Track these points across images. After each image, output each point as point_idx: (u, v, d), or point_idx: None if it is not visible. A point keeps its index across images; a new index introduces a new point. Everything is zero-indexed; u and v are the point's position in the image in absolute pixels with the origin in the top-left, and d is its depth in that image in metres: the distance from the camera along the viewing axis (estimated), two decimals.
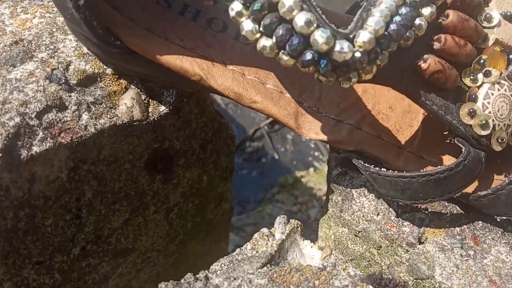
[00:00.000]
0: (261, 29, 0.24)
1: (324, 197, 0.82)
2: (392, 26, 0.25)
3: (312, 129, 0.31)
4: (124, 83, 0.33)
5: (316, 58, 0.24)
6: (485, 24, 0.30)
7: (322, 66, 0.24)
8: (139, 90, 0.34)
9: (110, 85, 0.33)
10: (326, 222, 0.38)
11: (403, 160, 0.31)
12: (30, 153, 0.29)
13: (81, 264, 0.37)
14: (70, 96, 0.31)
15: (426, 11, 0.27)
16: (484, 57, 0.29)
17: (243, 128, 1.06)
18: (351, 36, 0.24)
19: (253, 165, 0.97)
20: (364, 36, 0.24)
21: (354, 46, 0.24)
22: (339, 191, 0.36)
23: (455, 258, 0.31)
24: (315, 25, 0.23)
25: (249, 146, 1.04)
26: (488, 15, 0.30)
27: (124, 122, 0.32)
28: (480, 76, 0.29)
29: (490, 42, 0.29)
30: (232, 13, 0.24)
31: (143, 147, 0.34)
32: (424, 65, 0.27)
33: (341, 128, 0.32)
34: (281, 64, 0.25)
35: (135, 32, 0.30)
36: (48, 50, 0.33)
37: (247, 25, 0.24)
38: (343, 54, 0.23)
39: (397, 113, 0.33)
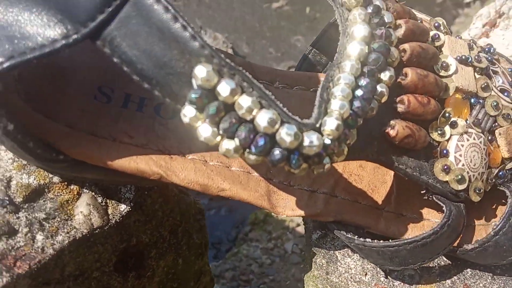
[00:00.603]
0: (220, 132, 0.22)
1: (298, 228, 0.81)
2: (356, 103, 0.24)
3: (287, 206, 0.30)
4: (76, 188, 0.31)
5: (285, 155, 0.22)
6: (442, 73, 0.29)
7: (294, 161, 0.22)
8: (93, 193, 0.31)
9: (61, 194, 0.30)
10: (313, 281, 0.37)
11: (383, 222, 0.30)
12: None
13: None
14: (18, 217, 0.29)
15: (385, 76, 0.26)
16: (448, 109, 0.28)
17: None
18: (317, 125, 0.23)
19: (220, 204, 0.95)
20: (331, 124, 0.22)
21: (322, 135, 0.22)
22: (322, 254, 0.34)
23: None
24: (279, 122, 0.22)
25: None
26: (444, 64, 0.29)
27: (84, 233, 0.30)
28: (447, 128, 0.28)
29: (451, 92, 0.29)
30: (185, 119, 0.23)
31: (109, 252, 0.32)
32: (392, 132, 0.26)
33: (316, 199, 0.30)
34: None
35: (78, 140, 0.28)
36: None
37: (204, 130, 0.22)
38: (313, 147, 0.22)
39: (369, 171, 0.32)
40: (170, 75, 0.23)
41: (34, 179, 0.30)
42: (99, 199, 0.31)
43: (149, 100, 0.31)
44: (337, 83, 0.24)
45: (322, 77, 0.37)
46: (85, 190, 0.31)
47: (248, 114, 0.22)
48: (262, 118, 0.22)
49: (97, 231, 0.30)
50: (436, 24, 0.32)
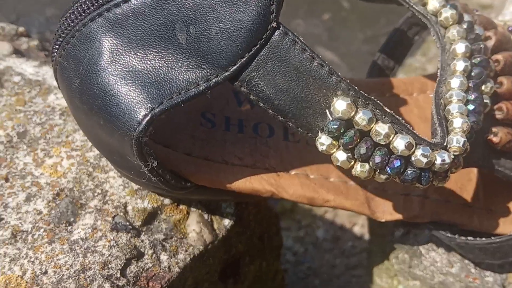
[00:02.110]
0: (355, 156, 0.25)
1: (327, 215, 0.84)
2: (471, 118, 0.26)
3: (385, 211, 0.32)
4: (185, 208, 0.33)
5: (418, 174, 0.25)
6: None
7: (424, 179, 0.25)
8: (200, 211, 0.33)
9: (173, 215, 0.33)
10: (389, 273, 0.40)
11: (476, 218, 0.33)
12: None
13: None
14: (142, 240, 0.31)
15: (487, 87, 0.28)
16: None
17: None
18: (445, 144, 0.25)
19: None
20: (458, 142, 0.25)
21: (449, 152, 0.25)
22: (405, 249, 0.37)
23: None
24: (414, 145, 0.24)
25: None
26: None
27: (200, 250, 0.32)
28: None
29: None
30: (322, 147, 0.25)
31: (216, 263, 0.34)
32: (496, 139, 0.29)
33: (411, 202, 0.33)
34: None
35: (197, 166, 0.30)
36: (97, 196, 0.32)
37: (340, 156, 0.25)
38: (445, 165, 0.24)
39: None
40: (306, 108, 0.25)
41: (148, 203, 0.32)
42: (205, 216, 0.34)
43: (246, 120, 0.33)
44: (450, 100, 0.27)
45: (394, 81, 0.39)
46: (192, 209, 0.33)
47: (385, 139, 0.24)
48: (399, 143, 0.24)
49: (209, 246, 0.32)
50: (510, 28, 0.34)
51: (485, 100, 0.28)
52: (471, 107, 0.27)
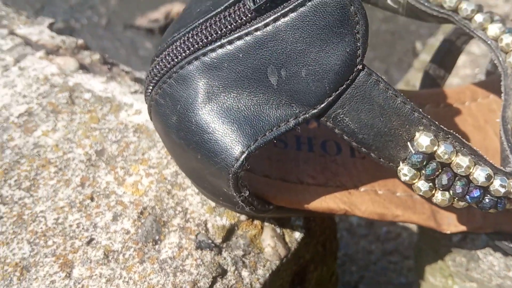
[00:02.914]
0: (437, 186, 0.27)
1: None
2: None
3: (451, 223, 0.34)
4: (259, 223, 0.35)
5: (495, 201, 0.27)
6: None
7: (500, 205, 0.27)
8: (272, 225, 0.36)
9: (248, 230, 0.35)
10: (444, 274, 0.42)
11: None
12: None
13: None
14: (224, 258, 0.33)
15: None
16: None
17: None
18: None
19: None
20: None
21: None
22: (462, 253, 0.39)
23: None
24: (493, 176, 0.26)
25: None
26: None
27: (277, 265, 0.34)
28: None
29: None
30: (405, 178, 0.27)
31: (288, 275, 0.37)
32: None
33: (474, 213, 0.35)
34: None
35: (277, 188, 0.32)
36: (178, 214, 0.35)
37: (423, 186, 0.27)
38: None
39: None
40: (388, 142, 0.27)
41: (226, 220, 0.35)
42: (278, 230, 0.36)
43: (314, 139, 0.35)
44: None
45: (446, 91, 0.41)
46: (265, 224, 0.36)
47: (466, 171, 0.26)
48: (480, 175, 0.26)
49: (284, 260, 0.35)
50: None
51: None
52: None
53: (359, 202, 0.33)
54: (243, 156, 0.26)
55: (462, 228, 0.34)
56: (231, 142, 0.26)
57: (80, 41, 0.49)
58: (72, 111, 0.41)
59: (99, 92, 0.42)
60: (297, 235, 0.36)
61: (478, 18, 0.32)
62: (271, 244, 0.35)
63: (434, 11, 0.33)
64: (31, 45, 0.47)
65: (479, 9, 0.32)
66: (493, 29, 0.31)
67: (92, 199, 0.35)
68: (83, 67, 0.45)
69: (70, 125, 0.40)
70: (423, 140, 0.26)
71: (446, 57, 0.42)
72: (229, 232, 0.34)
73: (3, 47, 0.46)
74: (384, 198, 0.34)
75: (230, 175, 0.26)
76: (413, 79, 1.04)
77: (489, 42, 0.32)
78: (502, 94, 0.31)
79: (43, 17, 0.53)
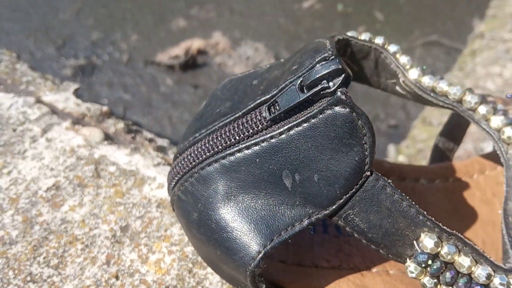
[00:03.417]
0: (441, 282, 0.28)
1: None
2: None
3: None
4: None
5: None
6: None
7: None
8: None
9: None
10: None
11: None
12: None
13: None
14: None
15: None
16: None
17: None
18: None
19: None
20: None
21: None
22: None
23: None
24: (493, 274, 0.28)
25: None
26: None
27: None
28: None
29: None
30: (412, 275, 0.29)
31: None
32: None
33: None
34: None
35: (293, 274, 0.34)
36: None
37: (428, 282, 0.28)
38: None
39: None
40: (396, 241, 0.28)
41: None
42: None
43: (329, 219, 0.37)
44: None
45: (455, 165, 0.42)
46: None
47: (468, 270, 0.28)
48: (481, 274, 0.28)
49: None
50: (508, 95, 0.37)
51: None
52: None
53: (372, 284, 0.35)
54: (259, 256, 0.28)
55: None
56: (249, 242, 0.28)
57: (105, 108, 0.51)
58: (98, 184, 0.43)
59: (124, 165, 0.45)
60: None
61: (482, 109, 0.34)
62: None
63: (440, 102, 0.35)
64: (57, 114, 0.50)
65: (483, 100, 0.34)
66: (496, 121, 0.33)
67: (117, 277, 0.37)
68: (108, 137, 0.48)
69: (96, 199, 0.42)
70: (427, 242, 0.28)
71: (454, 130, 0.44)
72: None
73: (30, 117, 0.49)
74: (395, 279, 0.35)
75: (248, 273, 0.28)
76: (429, 116, 1.04)
77: (491, 133, 0.34)
78: (504, 185, 0.33)
79: (68, 82, 0.56)
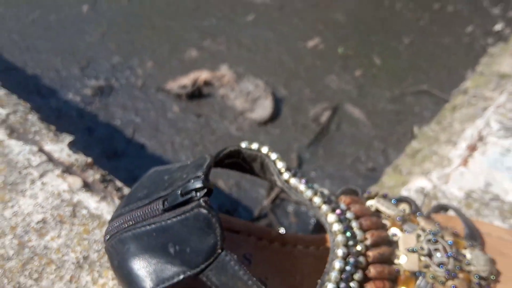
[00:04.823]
0: None
1: None
2: None
3: None
4: None
5: None
6: (396, 261, 0.51)
7: None
8: None
9: None
10: None
11: None
12: None
13: None
14: None
15: (356, 276, 0.48)
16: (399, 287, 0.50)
17: (249, 209, 1.28)
18: None
19: None
20: None
21: None
22: None
23: None
24: None
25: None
26: (397, 256, 0.51)
27: None
28: None
29: (402, 273, 0.51)
30: None
31: None
32: None
33: None
34: None
35: None
36: None
37: None
38: None
39: None
40: (232, 286, 0.46)
41: None
42: None
43: None
44: (327, 279, 0.47)
45: (327, 237, 0.59)
46: None
47: None
48: None
49: None
50: (398, 218, 0.54)
51: (353, 285, 0.48)
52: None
53: None
54: None
55: None
56: (144, 284, 0.46)
57: (89, 160, 0.70)
58: (73, 222, 0.62)
59: (93, 210, 0.63)
60: None
61: (323, 208, 0.50)
62: None
63: (300, 198, 0.52)
64: (53, 162, 0.69)
65: (326, 201, 0.51)
66: (331, 218, 0.50)
67: None
68: (86, 185, 0.66)
69: (69, 234, 0.61)
70: None
71: None
72: None
73: (33, 163, 0.68)
74: None
75: None
76: (401, 164, 1.18)
77: (327, 226, 0.50)
78: (329, 256, 0.49)
79: (65, 134, 0.75)
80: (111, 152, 1.39)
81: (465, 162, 0.73)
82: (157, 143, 1.44)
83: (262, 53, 1.73)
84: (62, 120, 1.47)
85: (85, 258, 0.59)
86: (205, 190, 0.45)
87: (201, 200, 0.45)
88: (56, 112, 1.50)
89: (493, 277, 0.55)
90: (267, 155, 0.53)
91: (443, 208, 0.63)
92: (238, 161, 0.54)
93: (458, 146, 0.75)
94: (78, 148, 1.24)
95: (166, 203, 0.46)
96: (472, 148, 0.74)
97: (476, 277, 0.53)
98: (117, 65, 1.68)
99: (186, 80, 1.59)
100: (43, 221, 0.62)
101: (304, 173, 0.52)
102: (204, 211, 0.44)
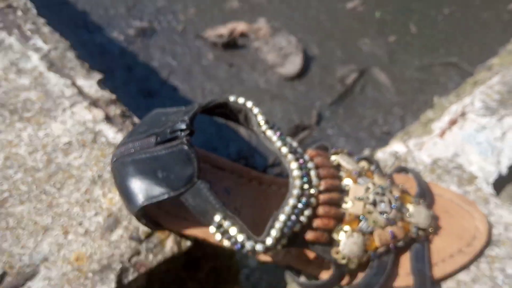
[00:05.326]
0: (224, 237, 0.59)
1: None
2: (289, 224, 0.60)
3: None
4: (167, 233, 0.70)
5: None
6: (344, 205, 0.64)
7: (237, 246, 0.59)
8: (175, 237, 0.70)
9: (160, 236, 0.69)
10: None
11: (311, 269, 0.66)
12: (127, 281, 0.66)
13: None
14: (142, 246, 0.68)
15: (307, 212, 0.61)
16: (344, 225, 0.63)
17: (264, 156, 1.42)
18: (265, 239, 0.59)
19: None
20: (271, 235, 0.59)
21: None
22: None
23: None
24: (248, 240, 0.58)
25: (271, 173, 1.40)
26: (346, 202, 0.63)
27: (170, 255, 0.68)
28: (341, 233, 0.63)
29: (347, 216, 0.63)
30: (216, 237, 0.60)
31: (181, 262, 0.71)
32: (309, 236, 0.62)
33: (277, 254, 0.67)
34: None
35: (171, 220, 0.66)
36: (127, 220, 0.70)
37: (225, 242, 0.60)
38: (255, 251, 0.59)
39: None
40: (206, 214, 0.59)
41: (149, 229, 0.69)
42: (177, 238, 0.70)
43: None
44: (282, 211, 0.60)
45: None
46: (171, 235, 0.70)
47: (235, 235, 0.58)
48: (240, 237, 0.58)
49: (175, 254, 0.69)
50: (354, 172, 0.66)
51: (304, 219, 0.61)
52: (293, 217, 0.60)
53: (211, 235, 0.66)
54: (138, 207, 0.60)
55: (269, 259, 0.66)
56: (135, 199, 0.60)
57: (113, 97, 0.84)
58: (93, 147, 0.77)
59: (111, 139, 0.78)
60: (188, 243, 0.70)
61: (289, 157, 0.63)
62: (171, 245, 0.69)
63: (272, 148, 0.64)
64: (82, 95, 0.83)
65: (291, 150, 0.63)
66: (290, 158, 0.62)
67: (88, 201, 0.71)
68: (108, 118, 0.81)
69: (89, 155, 0.76)
70: (217, 218, 0.58)
71: None
72: (150, 234, 0.69)
73: (66, 94, 0.83)
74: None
75: (134, 215, 0.61)
76: (412, 131, 1.28)
77: (288, 167, 0.63)
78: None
79: (95, 72, 0.89)
80: (146, 91, 1.54)
81: (442, 134, 0.83)
82: (189, 87, 1.57)
83: (301, 10, 1.82)
84: (104, 56, 1.63)
85: (99, 176, 0.74)
86: (188, 131, 0.58)
87: (184, 139, 0.58)
88: (100, 48, 1.66)
89: (431, 230, 0.67)
90: (250, 109, 0.66)
91: (403, 170, 0.74)
92: (225, 111, 0.66)
93: (442, 119, 0.85)
94: (117, 84, 1.41)
95: (158, 138, 0.60)
96: (452, 122, 0.84)
97: (415, 227, 0.65)
98: (161, 9, 1.81)
99: (224, 30, 1.71)
100: (69, 143, 0.77)
101: (279, 128, 0.65)
102: (185, 147, 0.58)
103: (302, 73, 1.60)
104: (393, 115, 1.52)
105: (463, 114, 0.85)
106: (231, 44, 1.68)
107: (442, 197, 0.72)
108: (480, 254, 0.69)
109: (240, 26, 1.70)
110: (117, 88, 1.50)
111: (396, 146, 0.81)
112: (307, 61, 1.64)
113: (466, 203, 0.71)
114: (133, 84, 1.54)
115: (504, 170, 0.79)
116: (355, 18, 1.80)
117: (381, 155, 0.80)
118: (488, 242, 0.70)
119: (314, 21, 1.78)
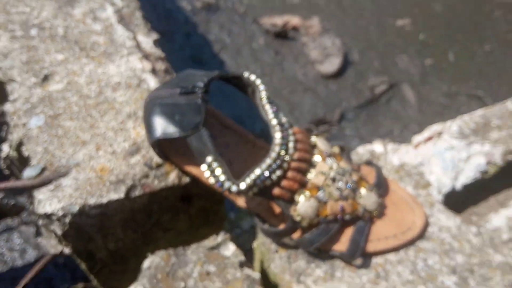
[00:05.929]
0: (212, 175, 0.80)
1: None
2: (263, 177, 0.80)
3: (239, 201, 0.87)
4: (173, 167, 0.90)
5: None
6: (308, 175, 0.83)
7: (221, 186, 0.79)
8: (178, 172, 0.91)
9: (167, 169, 0.90)
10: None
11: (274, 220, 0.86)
12: (134, 195, 0.87)
13: (152, 230, 0.96)
14: (152, 172, 0.89)
15: (279, 171, 0.80)
16: (305, 191, 0.82)
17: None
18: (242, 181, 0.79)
19: None
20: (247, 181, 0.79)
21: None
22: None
23: None
24: (226, 180, 0.79)
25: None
26: (311, 174, 0.83)
27: (171, 184, 0.89)
28: (301, 197, 0.82)
29: (309, 184, 0.82)
30: (206, 174, 0.80)
31: (180, 192, 0.92)
32: (276, 192, 0.81)
33: (252, 200, 0.87)
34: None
35: (177, 156, 0.86)
36: (145, 150, 0.91)
37: (211, 179, 0.80)
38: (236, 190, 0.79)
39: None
40: (203, 154, 0.79)
41: (160, 160, 0.90)
42: (180, 173, 0.91)
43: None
44: (259, 166, 0.80)
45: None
46: (175, 169, 0.91)
47: (220, 176, 0.79)
48: (222, 177, 0.78)
49: (175, 185, 0.90)
50: (325, 152, 0.85)
51: (274, 177, 0.80)
52: (266, 174, 0.79)
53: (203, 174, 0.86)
54: (155, 139, 0.81)
55: (244, 205, 0.86)
56: (155, 132, 0.81)
57: (162, 55, 1.06)
58: (135, 90, 0.98)
59: (151, 87, 0.99)
60: (187, 179, 0.91)
61: (277, 135, 0.82)
62: (174, 176, 0.90)
63: (267, 119, 0.84)
64: (139, 48, 1.05)
65: (282, 128, 0.83)
66: (277, 135, 0.82)
67: (121, 130, 0.93)
68: (153, 71, 1.02)
69: (131, 96, 0.97)
70: (208, 159, 0.79)
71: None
72: (159, 165, 0.90)
73: (126, 45, 1.05)
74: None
75: (150, 144, 0.82)
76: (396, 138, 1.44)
77: (276, 139, 0.82)
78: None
79: (154, 33, 1.10)
80: (198, 59, 1.76)
81: (417, 145, 1.00)
82: (235, 64, 1.78)
83: (353, 18, 1.99)
84: (170, 20, 1.85)
85: (134, 113, 0.95)
86: (204, 89, 0.79)
87: (200, 94, 0.78)
88: (167, 13, 1.88)
89: (376, 214, 0.85)
90: (257, 86, 0.85)
91: (370, 163, 0.93)
92: (238, 83, 0.86)
93: (423, 134, 1.02)
94: (175, 46, 1.65)
95: (182, 90, 0.81)
96: (429, 138, 1.01)
97: (362, 208, 0.84)
98: (195, 10, 2.01)
99: (279, 20, 1.90)
100: (119, 83, 0.98)
101: (277, 104, 0.85)
102: (199, 101, 0.78)
103: (337, 74, 1.78)
104: (409, 130, 1.68)
105: (439, 134, 1.02)
106: (282, 34, 1.86)
107: (395, 192, 0.90)
108: (411, 243, 0.86)
109: (294, 20, 1.89)
110: (174, 50, 1.72)
111: (376, 146, 0.99)
112: (345, 64, 1.82)
113: (414, 202, 0.89)
114: (187, 50, 1.76)
115: (459, 186, 0.96)
116: (400, 35, 1.95)
117: (361, 150, 0.99)
118: (421, 236, 0.87)
119: (362, 29, 1.95)
